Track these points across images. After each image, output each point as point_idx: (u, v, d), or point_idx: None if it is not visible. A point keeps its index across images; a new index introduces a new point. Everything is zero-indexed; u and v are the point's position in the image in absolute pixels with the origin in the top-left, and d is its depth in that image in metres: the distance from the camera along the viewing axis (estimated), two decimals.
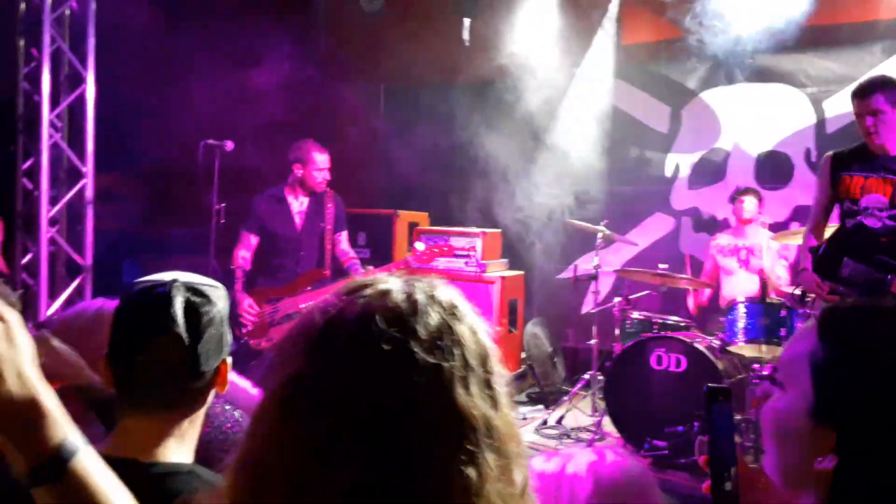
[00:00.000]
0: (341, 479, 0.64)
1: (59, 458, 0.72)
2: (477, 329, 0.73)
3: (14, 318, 0.73)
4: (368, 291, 0.72)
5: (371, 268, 4.32)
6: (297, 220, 4.36)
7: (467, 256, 5.30)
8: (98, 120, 4.70)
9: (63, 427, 0.73)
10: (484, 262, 5.33)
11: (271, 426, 0.68)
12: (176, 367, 1.15)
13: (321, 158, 4.26)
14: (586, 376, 4.75)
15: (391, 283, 0.74)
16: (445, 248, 4.52)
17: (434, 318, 0.70)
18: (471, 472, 0.65)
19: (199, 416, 1.22)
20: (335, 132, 5.55)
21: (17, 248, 4.57)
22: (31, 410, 0.71)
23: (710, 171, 5.59)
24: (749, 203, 4.76)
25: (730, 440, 0.93)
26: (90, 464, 0.75)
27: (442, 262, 5.23)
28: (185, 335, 1.14)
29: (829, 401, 0.84)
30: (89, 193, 4.68)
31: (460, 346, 0.69)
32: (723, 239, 4.97)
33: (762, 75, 5.38)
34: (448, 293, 0.74)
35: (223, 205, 4.06)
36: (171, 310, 1.14)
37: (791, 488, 0.88)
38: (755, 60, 5.33)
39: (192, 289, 1.18)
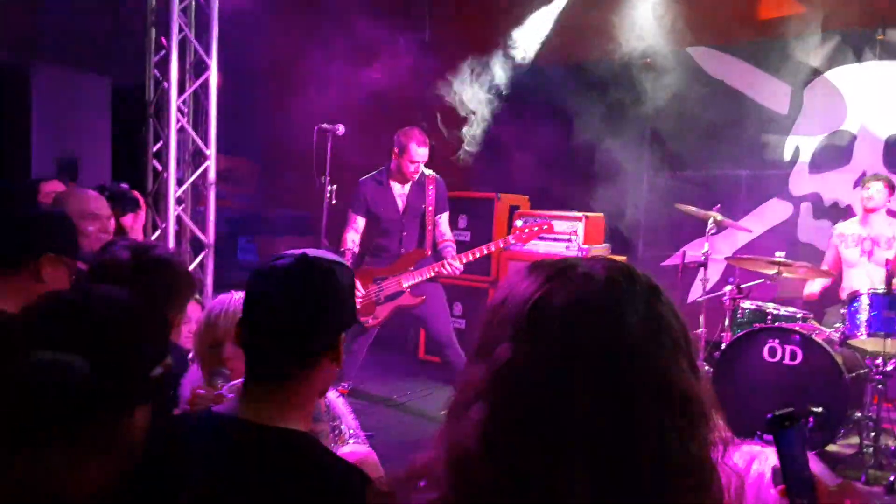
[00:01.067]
0: (560, 470, 0.65)
1: None
2: (675, 308, 0.74)
3: None
4: (569, 275, 0.72)
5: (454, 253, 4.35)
6: (400, 203, 4.46)
7: (568, 241, 5.24)
8: (220, 105, 4.98)
9: None
10: (585, 246, 5.26)
11: (481, 415, 0.68)
12: (290, 336, 1.21)
13: (418, 151, 4.27)
14: None
15: (588, 265, 0.74)
16: (545, 227, 4.50)
17: (639, 300, 0.71)
18: (692, 447, 0.68)
19: (314, 387, 1.26)
20: (433, 110, 5.62)
21: (147, 225, 4.93)
22: None
23: (833, 155, 5.26)
24: (874, 190, 4.44)
25: (803, 467, 0.89)
26: None
27: (542, 247, 5.21)
28: (298, 306, 1.20)
29: None
30: (212, 175, 4.97)
31: (668, 328, 0.71)
32: (846, 227, 4.67)
33: (894, 52, 4.99)
34: (644, 274, 0.75)
35: (334, 187, 4.21)
36: (290, 281, 1.21)
37: None
38: (886, 36, 4.95)
39: (315, 263, 1.24)
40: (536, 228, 4.36)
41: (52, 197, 2.96)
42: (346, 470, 1.19)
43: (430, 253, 4.47)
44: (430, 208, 4.47)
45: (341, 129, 4.22)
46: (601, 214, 5.68)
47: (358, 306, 4.30)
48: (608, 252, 5.57)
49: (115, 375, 0.95)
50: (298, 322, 1.20)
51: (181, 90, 4.88)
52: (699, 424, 0.70)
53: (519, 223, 4.37)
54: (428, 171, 4.47)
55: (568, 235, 5.27)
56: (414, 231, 4.50)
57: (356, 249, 4.48)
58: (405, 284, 4.32)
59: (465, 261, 4.28)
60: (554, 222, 5.21)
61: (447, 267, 4.24)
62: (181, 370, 1.82)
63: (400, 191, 4.46)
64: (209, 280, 4.94)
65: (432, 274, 4.31)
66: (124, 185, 3.80)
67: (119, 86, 6.35)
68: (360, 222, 4.47)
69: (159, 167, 4.97)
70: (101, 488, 0.95)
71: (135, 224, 3.53)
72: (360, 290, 4.33)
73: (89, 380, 0.90)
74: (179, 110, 4.91)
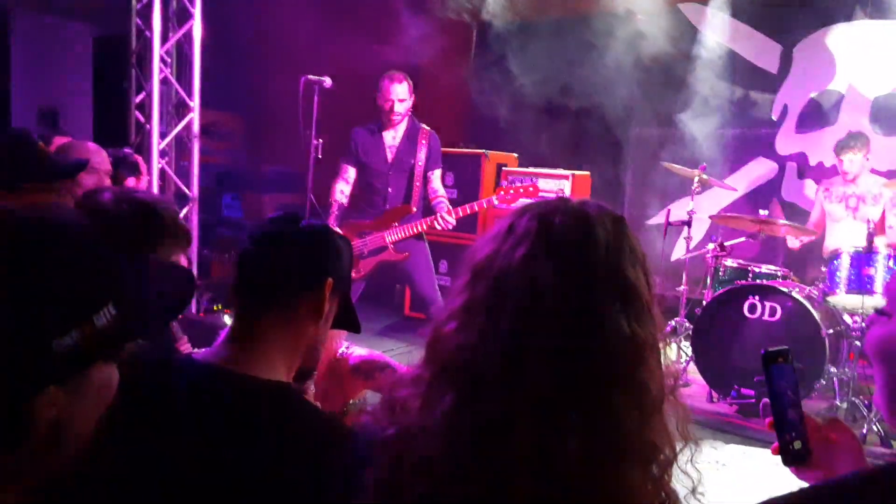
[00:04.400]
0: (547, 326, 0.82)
1: None
2: (635, 236, 0.91)
3: None
4: (552, 204, 0.91)
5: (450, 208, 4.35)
6: (389, 154, 4.40)
7: None
8: (204, 58, 4.89)
9: None
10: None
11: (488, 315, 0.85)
12: (272, 271, 1.24)
13: (392, 88, 4.19)
14: (673, 323, 4.69)
15: (566, 201, 0.92)
16: (531, 189, 4.49)
17: (607, 219, 0.89)
18: (636, 328, 0.84)
19: (297, 337, 1.24)
20: (426, 68, 5.56)
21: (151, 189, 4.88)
22: None
23: (820, 115, 5.27)
24: (849, 163, 4.41)
25: (794, 400, 0.93)
26: None
27: None
28: (286, 245, 1.25)
29: None
30: (196, 127, 4.91)
31: (629, 242, 0.89)
32: (832, 185, 4.69)
33: (884, 11, 4.96)
34: (613, 211, 0.93)
35: (321, 141, 4.16)
36: (283, 226, 1.27)
37: None
38: None
39: (312, 222, 1.30)
40: (522, 190, 4.35)
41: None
42: (327, 423, 1.18)
43: (415, 209, 4.45)
44: (421, 164, 4.42)
45: (328, 81, 4.16)
46: (587, 173, 5.68)
47: None
48: None
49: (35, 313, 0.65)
50: (282, 257, 1.24)
51: (164, 40, 4.79)
52: (644, 314, 0.86)
53: (505, 182, 4.35)
54: (424, 126, 4.42)
55: (554, 194, 5.27)
56: (401, 186, 4.46)
57: (344, 201, 4.41)
58: (389, 239, 4.32)
59: (459, 215, 4.27)
60: (540, 181, 5.22)
61: (440, 221, 4.22)
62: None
63: (391, 142, 4.39)
64: (194, 234, 4.92)
65: (417, 230, 4.30)
66: (127, 150, 3.78)
67: (101, 35, 6.22)
68: (351, 173, 4.41)
69: (142, 119, 4.90)
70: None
71: (137, 187, 3.51)
72: None
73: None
74: (163, 61, 4.82)
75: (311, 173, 4.14)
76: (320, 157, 4.14)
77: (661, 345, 0.88)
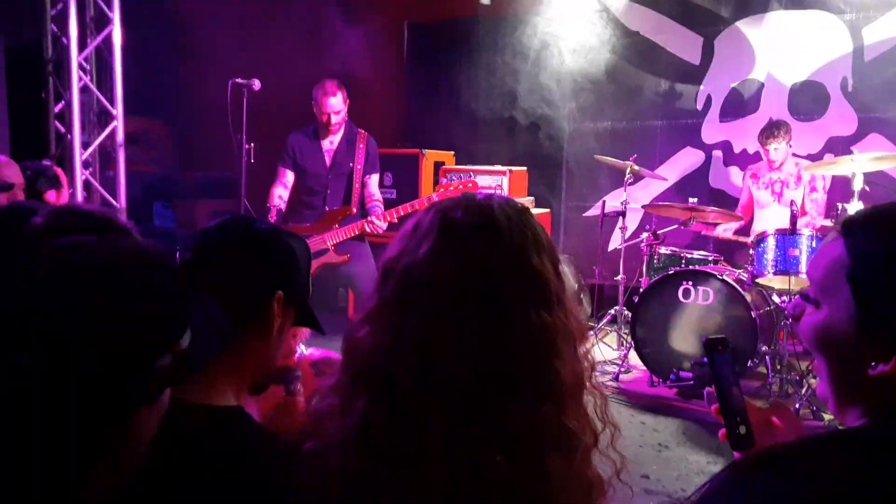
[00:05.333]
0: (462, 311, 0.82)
1: None
2: (542, 226, 0.92)
3: None
4: (461, 201, 0.91)
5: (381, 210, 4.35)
6: (327, 158, 4.41)
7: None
8: (126, 63, 4.72)
9: None
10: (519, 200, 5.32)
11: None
12: (218, 286, 1.11)
13: (327, 101, 4.24)
14: (612, 311, 4.79)
15: (471, 196, 0.92)
16: (470, 185, 4.51)
17: (511, 209, 0.89)
18: (545, 317, 0.83)
19: (244, 358, 1.14)
20: (358, 70, 5.52)
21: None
22: None
23: (742, 103, 5.47)
24: (774, 152, 4.56)
25: (735, 385, 0.96)
26: None
27: None
28: (230, 254, 1.13)
29: (872, 305, 0.81)
30: (120, 136, 4.74)
31: (534, 231, 0.89)
32: (758, 171, 4.87)
33: (798, 2, 5.19)
34: (517, 201, 0.94)
35: (252, 144, 4.09)
36: (227, 234, 1.15)
37: (843, 402, 0.87)
38: None
39: (258, 225, 1.18)
40: (462, 187, 4.37)
41: None
42: (280, 448, 1.05)
43: (356, 211, 4.43)
44: (359, 167, 4.43)
45: (257, 84, 4.09)
46: (524, 168, 5.75)
47: None
48: (532, 205, 5.66)
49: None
50: (221, 276, 1.12)
51: (82, 46, 4.60)
52: (553, 303, 0.85)
53: (444, 180, 4.36)
54: (361, 130, 4.44)
55: (493, 190, 5.32)
56: (340, 188, 4.45)
57: (282, 206, 4.41)
58: (329, 242, 4.28)
59: (388, 219, 4.27)
60: (478, 178, 5.26)
61: (370, 225, 4.23)
62: None
63: (328, 146, 4.41)
64: None
65: (357, 232, 4.28)
66: (46, 162, 3.63)
67: (12, 45, 5.93)
68: (289, 177, 4.40)
69: (62, 129, 4.70)
70: None
71: (58, 201, 3.36)
72: None
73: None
74: (81, 68, 4.63)
75: (245, 178, 4.06)
76: (253, 161, 4.07)
77: (576, 332, 0.88)
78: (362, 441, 0.80)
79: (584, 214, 6.02)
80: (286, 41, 5.58)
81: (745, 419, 0.95)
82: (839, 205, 3.88)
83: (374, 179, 4.52)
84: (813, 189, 4.65)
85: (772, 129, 4.58)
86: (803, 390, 3.83)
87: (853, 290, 0.82)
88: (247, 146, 4.02)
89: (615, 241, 5.51)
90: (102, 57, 4.82)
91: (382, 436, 0.79)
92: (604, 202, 5.08)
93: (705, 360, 0.98)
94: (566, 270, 5.38)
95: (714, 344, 0.97)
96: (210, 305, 1.04)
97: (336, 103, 4.27)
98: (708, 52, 5.56)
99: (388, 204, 4.63)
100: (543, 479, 0.79)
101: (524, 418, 0.79)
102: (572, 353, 0.86)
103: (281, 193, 4.40)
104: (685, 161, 5.70)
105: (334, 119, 4.30)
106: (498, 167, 5.53)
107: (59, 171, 3.45)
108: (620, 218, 4.77)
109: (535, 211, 5.57)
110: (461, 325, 0.81)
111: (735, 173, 5.47)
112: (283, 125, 4.50)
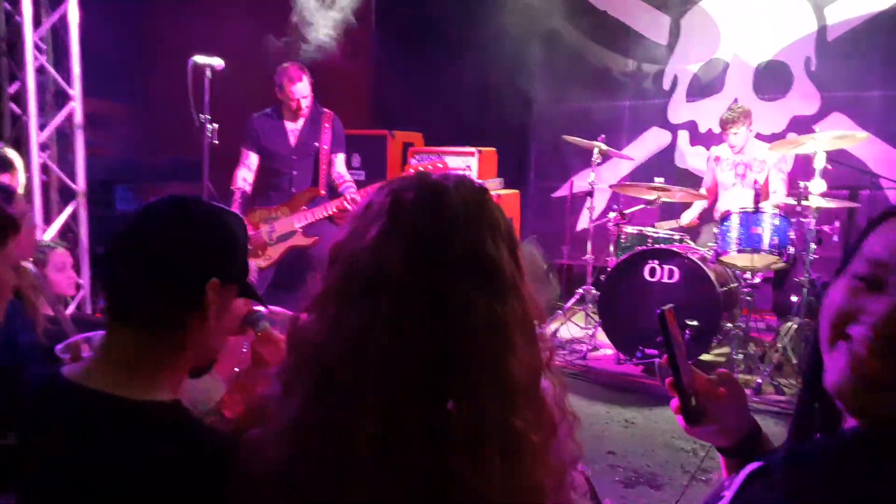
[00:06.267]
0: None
1: None
2: (501, 209, 0.87)
3: None
4: (415, 181, 0.86)
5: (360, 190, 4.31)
6: (292, 139, 4.35)
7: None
8: (84, 43, 4.58)
9: None
10: (480, 181, 5.29)
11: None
12: (149, 270, 1.05)
13: (294, 88, 4.19)
14: (580, 291, 4.83)
15: (425, 175, 0.87)
16: (440, 165, 4.49)
17: (466, 189, 0.84)
18: (496, 307, 0.78)
19: (182, 348, 1.09)
20: (325, 52, 5.43)
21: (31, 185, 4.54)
22: None
23: (708, 83, 5.51)
24: (734, 136, 4.59)
25: (686, 357, 0.96)
26: None
27: None
28: (161, 236, 1.06)
29: None
30: (78, 118, 4.61)
31: (489, 214, 0.84)
32: (721, 151, 4.90)
33: None
34: (475, 182, 0.88)
35: (216, 126, 4.00)
36: (159, 213, 1.09)
37: None
38: None
39: (191, 201, 1.11)
40: (431, 167, 4.35)
41: None
42: (218, 443, 1.01)
43: (324, 192, 4.38)
44: (325, 147, 4.38)
45: (219, 63, 3.99)
46: (493, 149, 5.73)
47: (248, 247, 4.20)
48: (501, 186, 5.66)
49: None
50: (149, 264, 1.05)
51: (37, 25, 4.45)
52: (507, 291, 0.80)
53: (413, 160, 4.33)
54: (326, 110, 4.38)
55: (462, 171, 5.29)
56: (307, 169, 4.40)
57: (247, 188, 4.35)
58: (297, 224, 4.23)
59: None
60: (448, 158, 5.21)
61: (349, 204, 4.18)
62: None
63: (292, 126, 4.35)
64: (83, 230, 4.64)
65: (327, 213, 4.24)
66: None
67: None
68: (253, 159, 4.34)
69: (18, 111, 4.55)
70: None
71: (12, 184, 3.25)
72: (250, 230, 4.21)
73: None
74: (37, 48, 4.48)
75: (207, 160, 3.98)
76: (216, 142, 3.98)
77: (535, 319, 0.83)
78: (295, 435, 0.76)
79: (553, 195, 6.03)
80: (251, 19, 5.45)
81: (695, 391, 0.96)
82: (801, 183, 3.95)
83: (340, 159, 4.47)
84: (779, 170, 4.69)
85: (730, 115, 4.60)
86: (763, 365, 3.91)
87: None
88: (210, 127, 3.94)
89: (583, 222, 5.55)
90: (59, 36, 4.66)
91: (314, 432, 0.75)
92: (572, 182, 5.11)
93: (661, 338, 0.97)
94: (534, 252, 5.41)
95: (669, 317, 0.96)
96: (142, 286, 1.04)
97: (303, 88, 4.22)
98: (675, 32, 5.58)
99: (358, 185, 4.58)
100: (484, 481, 0.74)
101: (467, 415, 0.75)
102: (528, 343, 0.81)
103: (245, 176, 4.33)
104: (652, 141, 5.74)
105: (304, 104, 4.26)
106: (467, 148, 5.51)
107: (10, 153, 3.34)
108: (588, 198, 4.80)
109: (504, 192, 5.58)
110: (404, 318, 0.76)
111: (701, 153, 5.52)
112: (249, 105, 4.42)
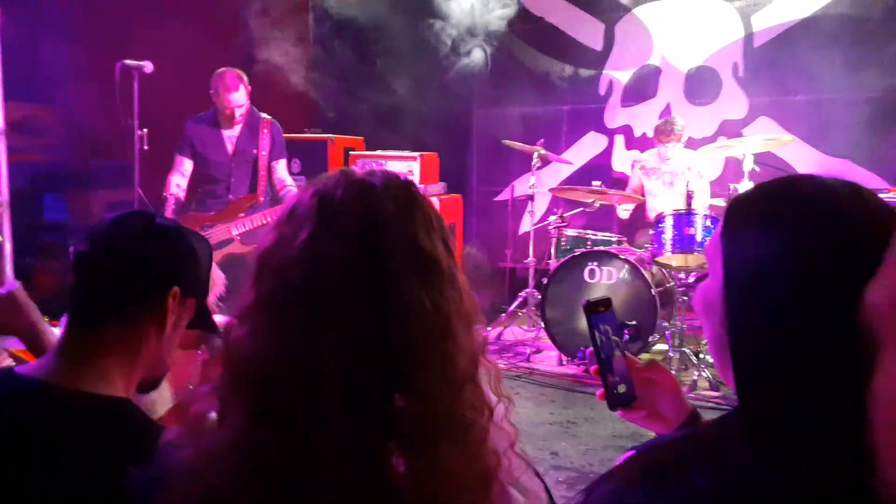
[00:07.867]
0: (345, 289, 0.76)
1: None
2: (428, 200, 0.87)
3: None
4: (341, 178, 0.84)
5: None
6: (229, 145, 4.25)
7: None
8: (6, 45, 4.37)
9: None
10: (421, 185, 5.31)
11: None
12: (109, 276, 1.13)
13: (230, 97, 4.09)
14: (523, 294, 4.87)
15: (349, 173, 0.85)
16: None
17: (394, 185, 0.83)
18: (438, 300, 0.78)
19: (137, 352, 1.14)
20: (263, 54, 5.34)
21: None
22: None
23: (641, 89, 5.65)
24: (671, 149, 4.70)
25: (617, 345, 0.97)
26: None
27: None
28: (124, 247, 1.14)
29: (730, 273, 0.82)
30: (0, 122, 4.40)
31: (421, 208, 0.83)
32: (647, 160, 5.00)
33: None
34: (401, 175, 0.88)
35: (145, 131, 3.88)
36: (123, 224, 1.16)
37: (721, 363, 0.90)
38: None
39: (159, 219, 1.19)
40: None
41: None
42: (157, 440, 1.05)
43: (263, 199, 4.30)
44: (264, 153, 4.30)
45: (149, 66, 3.88)
46: (436, 153, 5.74)
47: None
48: (443, 190, 5.67)
49: None
50: (119, 264, 1.13)
51: None
52: (445, 284, 0.80)
53: (354, 167, 4.27)
54: (264, 115, 4.29)
55: (404, 175, 5.27)
56: (244, 176, 4.30)
57: (181, 195, 4.22)
58: (235, 231, 4.14)
59: None
60: (389, 163, 5.21)
61: None
62: None
63: (229, 133, 4.24)
64: (7, 241, 4.43)
65: (266, 220, 4.16)
66: None
67: None
68: (187, 165, 4.22)
69: None
70: None
71: None
72: None
73: None
74: None
75: (138, 166, 3.86)
76: (146, 147, 3.86)
77: (470, 310, 0.84)
78: (237, 456, 0.73)
79: (496, 199, 6.08)
80: (185, 21, 5.32)
81: (626, 378, 0.97)
82: (731, 185, 4.08)
83: (281, 165, 4.39)
84: (700, 175, 4.82)
85: (666, 125, 4.72)
86: (699, 362, 4.02)
87: (723, 259, 0.84)
88: (140, 132, 3.81)
89: (525, 225, 5.61)
90: None
91: (261, 451, 0.73)
92: (513, 186, 5.15)
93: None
94: (472, 252, 5.44)
95: (595, 306, 0.96)
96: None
97: (239, 98, 4.12)
98: (609, 38, 5.70)
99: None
100: (439, 473, 0.75)
101: (419, 410, 0.75)
102: (468, 333, 0.82)
103: (178, 182, 4.21)
104: (590, 145, 5.85)
105: (238, 113, 4.16)
106: (408, 153, 5.50)
107: None
108: (529, 202, 4.85)
109: (446, 196, 5.60)
110: (345, 320, 0.74)
111: (636, 157, 5.66)
112: (181, 110, 4.30)
